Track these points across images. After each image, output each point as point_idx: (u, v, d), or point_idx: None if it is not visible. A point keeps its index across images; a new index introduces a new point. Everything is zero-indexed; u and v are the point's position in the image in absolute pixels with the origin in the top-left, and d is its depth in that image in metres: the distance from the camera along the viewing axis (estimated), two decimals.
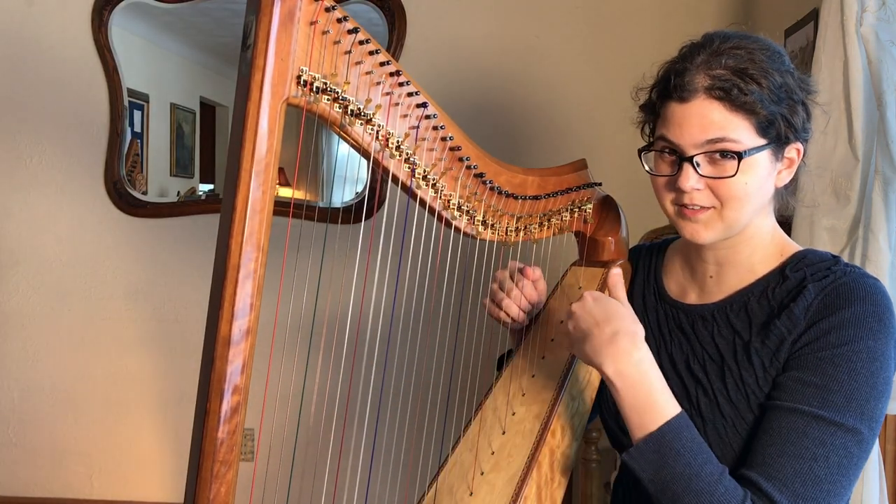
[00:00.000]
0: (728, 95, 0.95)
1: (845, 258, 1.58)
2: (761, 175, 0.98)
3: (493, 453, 1.09)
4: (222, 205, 0.89)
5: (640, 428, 0.93)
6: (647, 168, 1.04)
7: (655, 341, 1.12)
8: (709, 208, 0.99)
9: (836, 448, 0.91)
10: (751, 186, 0.97)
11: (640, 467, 0.93)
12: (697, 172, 0.97)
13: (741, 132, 0.95)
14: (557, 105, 2.53)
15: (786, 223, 1.10)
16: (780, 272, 1.03)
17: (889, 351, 0.95)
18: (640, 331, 0.97)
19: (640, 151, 1.05)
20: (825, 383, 0.93)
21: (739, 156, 0.95)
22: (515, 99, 2.52)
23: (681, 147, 0.98)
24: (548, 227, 1.17)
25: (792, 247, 1.06)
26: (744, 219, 1.01)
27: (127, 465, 2.61)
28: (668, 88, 0.99)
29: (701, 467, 0.91)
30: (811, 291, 0.98)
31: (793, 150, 1.01)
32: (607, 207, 1.23)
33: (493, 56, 2.51)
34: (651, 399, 0.94)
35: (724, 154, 0.96)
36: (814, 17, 1.87)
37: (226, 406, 0.87)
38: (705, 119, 0.96)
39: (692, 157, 0.97)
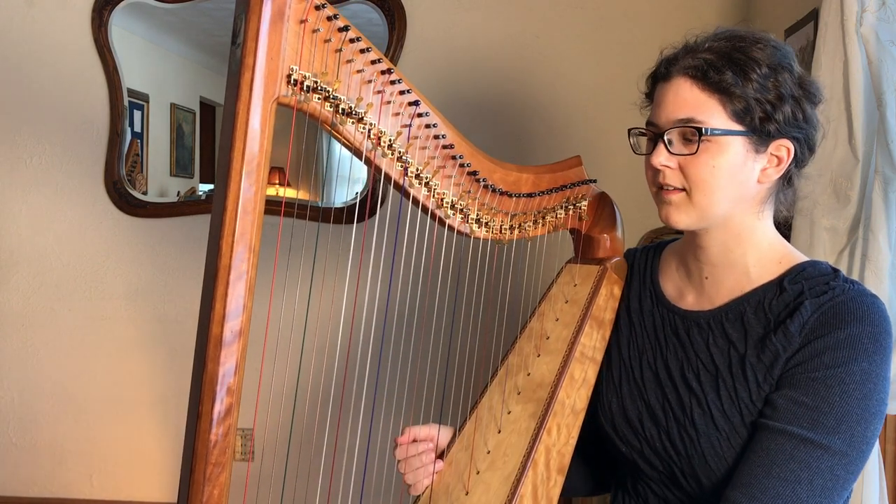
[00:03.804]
0: (703, 75, 0.97)
1: (845, 258, 1.58)
2: (733, 162, 0.98)
3: (488, 452, 1.08)
4: (213, 205, 0.89)
5: None
6: (631, 144, 1.08)
7: (652, 346, 1.11)
8: (680, 190, 1.01)
9: (821, 471, 0.91)
10: (719, 171, 0.98)
11: None
12: (669, 150, 0.99)
13: (712, 114, 0.97)
14: (557, 105, 2.52)
15: (786, 223, 1.08)
16: (779, 283, 1.01)
17: (884, 371, 0.94)
18: None
19: (629, 130, 1.08)
20: (816, 404, 0.92)
21: (700, 132, 0.96)
22: (515, 98, 2.51)
23: (657, 125, 1.01)
24: (542, 225, 1.17)
25: (793, 257, 1.05)
26: (716, 206, 1.00)
27: (127, 465, 2.61)
28: (658, 71, 1.04)
29: None
30: (808, 308, 0.96)
31: (781, 148, 1.00)
32: (602, 204, 1.22)
33: (493, 55, 2.50)
34: None
35: (694, 134, 0.97)
36: (814, 17, 1.86)
37: (218, 408, 0.86)
38: (679, 97, 0.99)
39: (664, 134, 0.99)
